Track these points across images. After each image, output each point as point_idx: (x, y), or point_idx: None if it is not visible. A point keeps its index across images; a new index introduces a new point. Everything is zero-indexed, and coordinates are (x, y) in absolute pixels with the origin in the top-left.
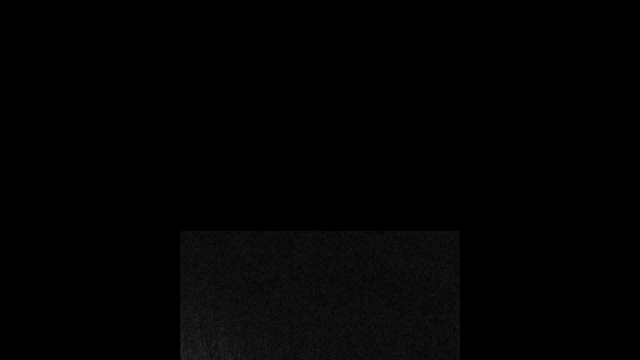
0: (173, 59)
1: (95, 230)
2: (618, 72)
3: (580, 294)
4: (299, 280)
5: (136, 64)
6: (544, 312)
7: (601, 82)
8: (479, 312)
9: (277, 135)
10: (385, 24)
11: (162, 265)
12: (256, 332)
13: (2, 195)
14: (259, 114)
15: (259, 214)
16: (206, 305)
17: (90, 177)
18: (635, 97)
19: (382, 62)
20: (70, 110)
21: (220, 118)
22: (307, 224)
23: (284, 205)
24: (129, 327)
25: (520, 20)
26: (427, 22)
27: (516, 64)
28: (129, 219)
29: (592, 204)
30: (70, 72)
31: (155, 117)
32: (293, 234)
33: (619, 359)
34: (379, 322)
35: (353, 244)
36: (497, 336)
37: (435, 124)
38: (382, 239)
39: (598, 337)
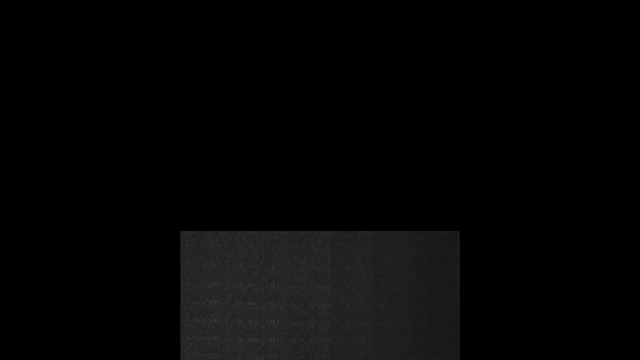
0: (173, 59)
1: (96, 230)
2: (618, 72)
3: (580, 293)
4: (299, 279)
5: (136, 64)
6: (544, 312)
7: (601, 82)
8: (479, 312)
9: (277, 135)
10: (385, 24)
11: (162, 265)
12: (256, 331)
13: (2, 195)
14: (259, 114)
15: (259, 214)
16: (206, 304)
17: (91, 178)
18: (635, 97)
19: (382, 62)
20: (71, 110)
21: (220, 118)
22: (307, 224)
23: (284, 205)
24: (129, 326)
25: (520, 20)
26: (427, 22)
27: (516, 64)
28: (129, 219)
29: (592, 204)
30: (70, 72)
31: (155, 118)
32: (293, 234)
33: (619, 358)
34: (378, 323)
35: (353, 243)
36: (497, 335)
37: (435, 124)
38: (382, 239)
39: (598, 336)
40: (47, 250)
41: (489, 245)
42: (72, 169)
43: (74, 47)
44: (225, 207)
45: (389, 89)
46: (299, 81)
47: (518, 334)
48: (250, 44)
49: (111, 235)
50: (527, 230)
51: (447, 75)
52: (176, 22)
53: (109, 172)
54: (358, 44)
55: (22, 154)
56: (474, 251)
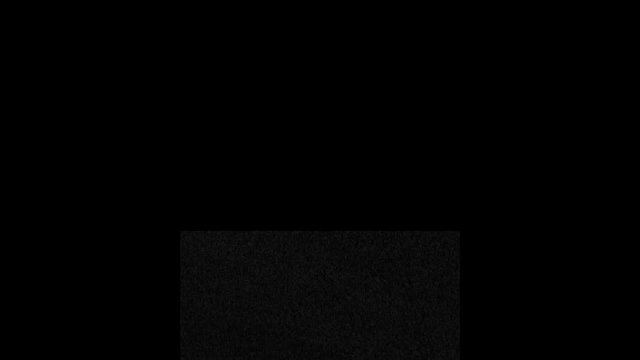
0: (173, 58)
1: (96, 230)
2: (618, 72)
3: (581, 293)
4: (298, 280)
5: (136, 63)
6: (544, 312)
7: (601, 82)
8: (479, 312)
9: (277, 135)
10: (385, 24)
11: (162, 265)
12: (255, 331)
13: (2, 195)
14: (259, 114)
15: (258, 214)
16: (206, 304)
17: (91, 177)
18: (635, 97)
19: (382, 62)
20: (70, 110)
21: (219, 118)
22: (307, 224)
23: (284, 205)
24: (129, 326)
25: (520, 20)
26: (427, 22)
27: (516, 64)
28: (129, 219)
29: (592, 204)
30: (70, 72)
31: (155, 117)
32: (293, 234)
33: (619, 359)
34: (378, 323)
35: (353, 243)
36: (497, 335)
37: (435, 124)
38: (382, 239)
39: (598, 336)
40: (46, 250)
41: (489, 245)
42: (71, 169)
43: (74, 47)
44: (225, 207)
45: (389, 89)
46: (299, 81)
47: (518, 334)
48: (250, 43)
49: (111, 234)
50: (527, 230)
51: (447, 75)
52: (176, 22)
53: (109, 171)
54: (358, 43)
55: (21, 154)
56: (474, 251)
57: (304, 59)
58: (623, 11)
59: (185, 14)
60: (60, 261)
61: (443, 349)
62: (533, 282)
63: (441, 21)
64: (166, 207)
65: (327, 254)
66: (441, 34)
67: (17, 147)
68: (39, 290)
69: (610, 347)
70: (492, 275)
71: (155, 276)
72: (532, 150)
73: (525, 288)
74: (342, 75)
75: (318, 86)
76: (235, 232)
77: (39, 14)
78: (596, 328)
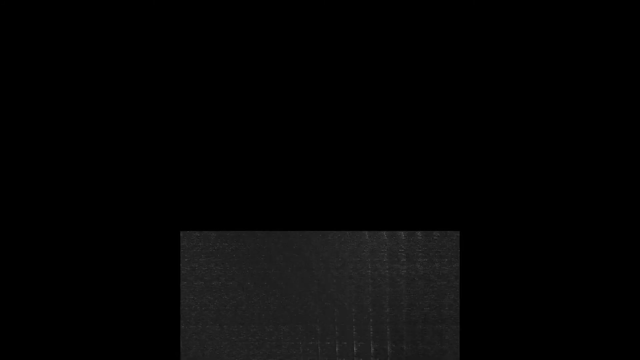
0: (173, 59)
1: (96, 231)
2: (618, 72)
3: (580, 293)
4: (299, 279)
5: (136, 64)
6: (544, 312)
7: (601, 82)
8: (479, 312)
9: (277, 136)
10: (385, 24)
11: (162, 265)
12: (255, 330)
13: (3, 195)
14: (259, 114)
15: (259, 214)
16: (205, 304)
17: (91, 178)
18: (635, 97)
19: (382, 62)
20: (71, 110)
21: (220, 118)
22: (307, 224)
23: (284, 205)
24: (129, 326)
25: (520, 21)
26: (427, 22)
27: (516, 64)
28: (129, 219)
29: (592, 204)
30: (70, 72)
31: (155, 118)
32: (293, 234)
33: (618, 358)
34: (379, 323)
35: (353, 243)
36: (497, 335)
37: (435, 124)
38: (382, 239)
39: (597, 336)
40: (47, 249)
41: (489, 245)
42: (71, 169)
43: (74, 47)
44: (225, 207)
45: (389, 89)
46: (299, 81)
47: (518, 334)
48: (250, 43)
49: (111, 235)
50: (527, 231)
51: (447, 75)
52: (176, 22)
53: (109, 172)
54: (357, 43)
55: (21, 154)
56: (474, 251)
57: (304, 60)
58: (623, 11)
59: (185, 14)
60: (62, 261)
61: (442, 348)
62: (533, 282)
63: (441, 21)
64: (166, 207)
65: (323, 254)
66: (441, 34)
67: (18, 149)
68: (40, 289)
69: (609, 346)
70: (492, 275)
71: (155, 276)
72: (532, 150)
73: (525, 288)
74: (341, 78)
75: (317, 88)
76: (234, 232)
77: (39, 14)
78: (595, 328)
